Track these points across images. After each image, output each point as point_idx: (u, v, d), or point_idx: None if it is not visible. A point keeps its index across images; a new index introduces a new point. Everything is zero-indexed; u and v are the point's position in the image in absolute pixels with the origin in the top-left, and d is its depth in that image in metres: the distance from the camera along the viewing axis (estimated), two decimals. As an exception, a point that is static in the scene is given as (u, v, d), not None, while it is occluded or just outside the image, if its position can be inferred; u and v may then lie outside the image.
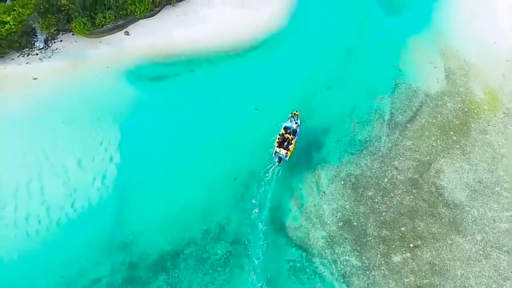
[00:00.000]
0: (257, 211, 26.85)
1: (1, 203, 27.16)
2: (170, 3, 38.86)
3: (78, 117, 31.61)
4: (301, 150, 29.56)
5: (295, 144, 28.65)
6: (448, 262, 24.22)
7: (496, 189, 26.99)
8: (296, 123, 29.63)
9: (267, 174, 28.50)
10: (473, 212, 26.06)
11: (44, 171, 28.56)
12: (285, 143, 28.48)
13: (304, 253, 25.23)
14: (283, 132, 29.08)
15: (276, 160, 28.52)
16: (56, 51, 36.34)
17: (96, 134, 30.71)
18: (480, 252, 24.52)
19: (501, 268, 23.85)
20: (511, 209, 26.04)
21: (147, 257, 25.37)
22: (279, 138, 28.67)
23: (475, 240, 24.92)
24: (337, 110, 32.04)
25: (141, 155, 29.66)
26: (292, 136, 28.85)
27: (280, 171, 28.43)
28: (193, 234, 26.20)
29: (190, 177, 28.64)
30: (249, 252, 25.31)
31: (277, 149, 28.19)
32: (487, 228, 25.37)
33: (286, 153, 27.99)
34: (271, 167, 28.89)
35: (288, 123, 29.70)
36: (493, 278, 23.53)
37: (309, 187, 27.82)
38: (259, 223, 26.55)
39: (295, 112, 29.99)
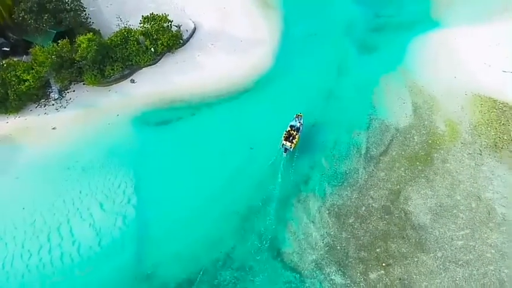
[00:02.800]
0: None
1: (37, 245, 31.91)
2: (170, 51, 43.58)
3: (96, 163, 36.16)
4: (292, 184, 34.87)
5: (298, 139, 36.12)
6: (414, 276, 29.66)
7: (454, 211, 32.51)
8: (300, 122, 37.10)
9: (264, 207, 33.71)
10: (435, 233, 31.53)
11: (71, 215, 33.15)
12: (290, 138, 35.75)
13: (298, 275, 30.36)
14: (289, 129, 36.37)
15: (283, 151, 35.66)
16: (70, 101, 40.80)
17: (114, 178, 35.40)
18: (440, 266, 29.98)
19: (457, 279, 29.34)
20: (465, 228, 31.60)
21: (166, 286, 30.28)
22: (285, 134, 35.97)
23: (436, 257, 30.37)
24: (320, 145, 37.24)
25: (155, 195, 34.47)
26: (296, 132, 36.22)
27: (277, 203, 33.61)
28: (205, 263, 31.04)
29: (198, 213, 33.37)
30: (252, 277, 30.42)
31: (284, 142, 35.55)
32: (446, 245, 30.86)
33: (291, 145, 35.40)
34: (268, 198, 34.18)
35: (293, 122, 37.16)
36: (451, 287, 29.03)
37: (299, 217, 32.95)
38: (259, 250, 31.73)
39: (299, 114, 37.51)
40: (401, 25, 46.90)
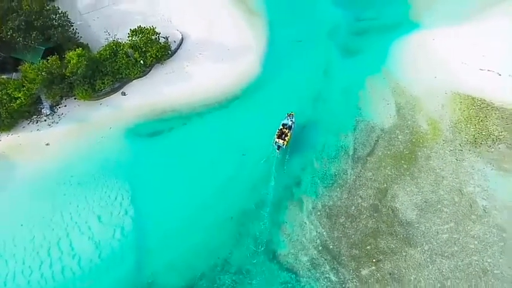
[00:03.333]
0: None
1: (38, 260, 32.50)
2: (159, 63, 44.36)
3: (91, 177, 36.90)
4: (284, 187, 36.15)
5: (290, 137, 37.75)
6: (403, 270, 31.21)
7: (438, 206, 34.20)
8: (291, 121, 38.81)
9: (258, 211, 34.89)
10: (422, 227, 33.17)
11: (70, 229, 33.92)
12: (283, 136, 37.42)
13: (294, 275, 31.66)
14: (282, 127, 38.10)
15: (276, 148, 37.35)
16: (62, 116, 41.31)
17: (110, 190, 36.16)
18: (428, 259, 31.60)
19: (443, 270, 30.99)
20: (449, 221, 33.31)
21: (167, 293, 31.34)
22: (278, 132, 37.72)
23: (423, 250, 32.00)
24: (310, 148, 38.58)
25: (151, 205, 35.34)
26: (288, 130, 37.91)
27: (271, 208, 34.83)
28: (204, 269, 32.13)
29: (195, 220, 34.42)
30: (250, 280, 31.60)
31: (277, 140, 37.31)
32: (432, 239, 32.52)
33: (283, 142, 37.10)
34: (262, 202, 35.39)
35: (285, 121, 38.79)
36: (438, 279, 30.65)
37: (293, 219, 34.25)
38: (255, 254, 32.91)
39: (291, 113, 39.25)
40: (382, 28, 48.50)
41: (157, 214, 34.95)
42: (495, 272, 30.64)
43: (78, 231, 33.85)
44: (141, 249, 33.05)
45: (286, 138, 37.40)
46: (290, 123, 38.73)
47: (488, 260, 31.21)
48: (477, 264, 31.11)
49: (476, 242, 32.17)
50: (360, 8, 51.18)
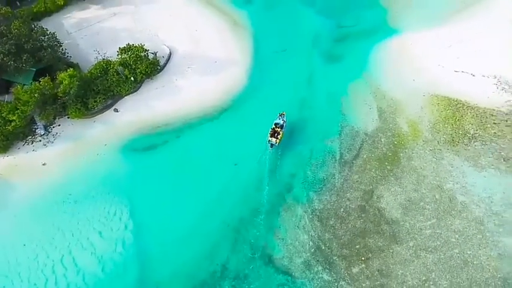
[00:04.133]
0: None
1: (43, 278, 33.67)
2: (149, 78, 45.66)
3: (89, 194, 38.18)
4: (277, 194, 37.98)
5: (282, 135, 40.42)
6: (391, 266, 33.38)
7: (421, 204, 36.49)
8: (283, 120, 41.41)
9: (253, 218, 36.66)
10: (406, 225, 35.40)
11: (73, 246, 35.20)
12: (275, 134, 40.08)
13: (289, 277, 33.52)
14: (274, 126, 40.61)
15: (269, 146, 39.84)
16: (56, 135, 42.35)
17: (109, 206, 37.46)
18: (413, 254, 33.82)
19: (428, 264, 33.26)
20: (432, 218, 35.62)
21: (170, 302, 32.90)
22: (271, 131, 40.23)
23: (408, 246, 34.20)
24: (299, 155, 40.46)
25: (150, 218, 36.78)
26: (280, 129, 40.53)
27: (265, 216, 36.62)
28: (204, 276, 33.72)
29: (193, 229, 35.93)
30: (248, 284, 33.35)
31: (270, 138, 39.80)
32: (416, 235, 34.76)
33: (276, 140, 39.69)
34: (256, 209, 37.16)
35: (277, 120, 41.34)
36: (423, 272, 32.86)
37: (286, 224, 36.09)
38: (252, 259, 34.67)
39: (282, 112, 41.87)
40: (362, 34, 50.68)
41: (156, 226, 36.40)
42: (475, 262, 33.02)
43: (80, 247, 35.13)
44: (143, 261, 34.51)
45: (278, 136, 40.05)
46: (282, 122, 41.34)
47: (468, 252, 33.59)
48: (458, 256, 33.45)
49: (457, 236, 34.52)
50: (341, 15, 53.29)
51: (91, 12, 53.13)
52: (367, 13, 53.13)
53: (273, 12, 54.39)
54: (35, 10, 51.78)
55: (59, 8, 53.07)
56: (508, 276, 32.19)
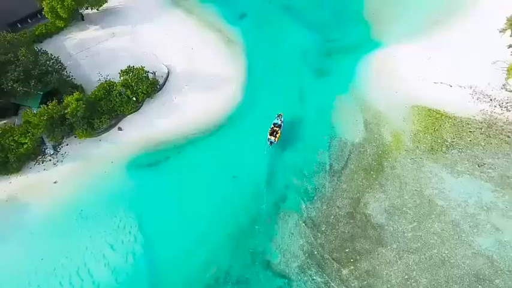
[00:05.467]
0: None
1: (62, 289, 36.96)
2: (149, 97, 48.55)
3: (100, 209, 41.27)
4: (273, 204, 41.41)
5: (280, 133, 45.14)
6: (377, 267, 37.15)
7: (404, 209, 40.22)
8: (281, 120, 46.17)
9: (252, 227, 40.11)
10: (390, 229, 39.14)
11: (87, 258, 38.42)
12: (274, 133, 44.69)
13: (286, 280, 37.13)
14: (273, 126, 45.41)
15: (269, 143, 44.52)
16: (65, 154, 45.21)
17: (118, 220, 40.64)
18: (396, 256, 37.62)
19: (410, 264, 37.09)
20: (413, 221, 39.39)
21: (180, 306, 36.36)
22: (270, 130, 44.96)
23: (392, 249, 37.99)
24: (292, 166, 43.91)
25: (158, 230, 40.03)
26: (278, 128, 45.27)
27: (262, 226, 40.06)
28: (209, 282, 37.23)
29: (198, 239, 39.30)
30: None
31: (269, 137, 44.40)
32: (399, 238, 38.54)
33: (275, 139, 44.39)
34: (254, 219, 40.60)
35: (275, 121, 46.10)
36: (405, 271, 36.72)
37: (282, 232, 39.63)
38: (252, 264, 38.18)
39: (280, 113, 46.55)
40: (348, 48, 54.03)
41: (163, 237, 39.69)
42: (451, 261, 36.92)
43: (94, 259, 38.36)
44: (153, 270, 37.87)
45: (277, 135, 44.68)
46: (280, 122, 46.11)
47: (446, 252, 37.47)
48: (437, 256, 37.32)
49: (435, 238, 38.34)
50: (328, 30, 56.51)
51: (90, 33, 55.64)
52: (352, 27, 56.47)
53: (264, 28, 57.44)
54: (36, 32, 54.22)
55: (59, 29, 55.43)
56: (480, 272, 36.18)
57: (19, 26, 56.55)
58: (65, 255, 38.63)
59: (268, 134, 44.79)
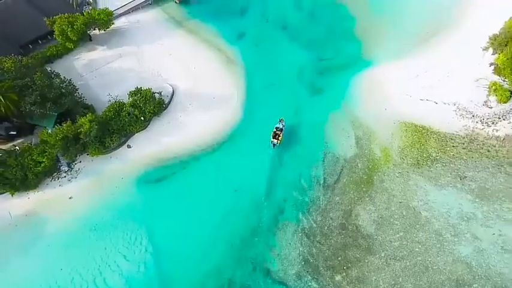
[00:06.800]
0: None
1: (79, 297, 40.60)
2: (156, 116, 52.04)
3: (112, 223, 44.98)
4: (271, 216, 45.08)
5: (282, 137, 49.94)
6: (366, 273, 40.93)
7: (391, 220, 43.96)
8: (282, 124, 51.04)
9: (253, 238, 43.82)
10: (379, 238, 42.88)
11: (103, 268, 42.13)
12: (276, 136, 49.45)
13: (285, 286, 40.87)
14: (275, 130, 50.10)
15: (272, 145, 49.26)
16: (79, 171, 48.73)
17: (130, 232, 44.30)
18: (384, 263, 41.40)
19: (396, 271, 40.86)
20: (400, 231, 43.11)
21: (188, 312, 40.09)
22: (273, 134, 49.75)
23: (380, 257, 41.75)
24: (289, 180, 47.59)
25: (166, 241, 43.69)
26: (280, 132, 50.11)
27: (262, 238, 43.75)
28: (214, 289, 41.21)
29: (203, 250, 43.03)
30: (251, 294, 40.78)
31: (272, 139, 49.39)
32: (387, 247, 42.30)
33: (277, 141, 49.29)
34: (255, 231, 44.31)
35: (277, 125, 50.94)
36: (392, 277, 40.48)
37: (280, 242, 43.36)
38: (253, 272, 41.88)
39: (281, 118, 51.33)
40: (341, 66, 57.50)
41: (171, 247, 43.41)
42: (434, 268, 40.70)
43: (109, 269, 42.03)
44: (163, 279, 41.55)
45: (279, 138, 49.42)
46: (281, 126, 50.94)
47: (429, 259, 41.22)
48: (421, 263, 41.09)
49: (420, 246, 42.11)
50: (321, 49, 59.97)
51: (98, 53, 59.02)
52: (344, 46, 59.96)
53: (262, 46, 60.91)
54: (48, 54, 57.57)
55: (69, 50, 58.79)
56: (461, 278, 39.98)
57: (30, 47, 59.93)
58: (82, 265, 42.30)
59: (271, 137, 49.54)
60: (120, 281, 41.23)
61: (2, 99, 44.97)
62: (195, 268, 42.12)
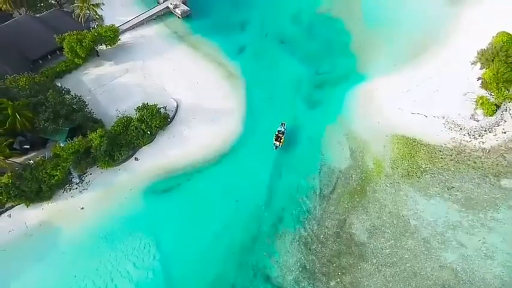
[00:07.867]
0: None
1: (93, 302, 43.71)
2: (161, 129, 55.05)
3: (122, 232, 47.91)
4: (271, 225, 48.12)
5: (284, 139, 53.74)
6: (359, 279, 44.00)
7: (383, 228, 47.05)
8: (284, 128, 54.96)
9: (253, 245, 46.88)
10: (371, 246, 45.96)
11: (114, 275, 45.08)
12: (278, 139, 53.26)
13: (283, 291, 44.14)
14: (277, 133, 53.90)
15: (274, 147, 52.76)
16: (89, 183, 51.74)
17: (139, 241, 47.31)
18: (376, 269, 44.47)
19: (387, 276, 43.95)
20: (390, 239, 46.18)
21: (194, 316, 43.21)
22: (275, 136, 53.53)
23: (372, 263, 44.82)
24: (287, 191, 50.66)
25: (173, 249, 46.72)
26: (282, 135, 53.90)
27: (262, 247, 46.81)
28: (218, 294, 44.30)
29: (207, 257, 45.98)
30: (251, 299, 43.86)
31: (275, 142, 53.13)
32: (378, 254, 45.39)
33: (279, 143, 53.14)
34: (255, 239, 47.34)
35: (279, 128, 54.81)
36: (383, 283, 43.53)
37: (279, 249, 46.42)
38: (254, 278, 44.94)
39: (283, 122, 55.17)
40: (336, 80, 60.73)
41: (177, 254, 46.38)
42: (422, 273, 43.79)
43: (120, 276, 45.05)
44: (170, 284, 44.61)
45: (281, 140, 53.02)
46: (283, 129, 54.77)
47: (417, 266, 44.31)
48: (410, 269, 44.18)
49: (409, 253, 45.20)
50: (319, 63, 63.15)
51: (105, 69, 62.02)
52: (340, 61, 63.10)
53: (261, 61, 64.07)
54: (57, 69, 60.53)
55: (77, 66, 61.72)
56: (447, 283, 43.05)
57: (40, 62, 62.90)
58: (94, 272, 45.30)
59: (273, 139, 53.23)
60: (131, 287, 44.30)
61: (18, 116, 47.92)
62: (199, 273, 45.11)
